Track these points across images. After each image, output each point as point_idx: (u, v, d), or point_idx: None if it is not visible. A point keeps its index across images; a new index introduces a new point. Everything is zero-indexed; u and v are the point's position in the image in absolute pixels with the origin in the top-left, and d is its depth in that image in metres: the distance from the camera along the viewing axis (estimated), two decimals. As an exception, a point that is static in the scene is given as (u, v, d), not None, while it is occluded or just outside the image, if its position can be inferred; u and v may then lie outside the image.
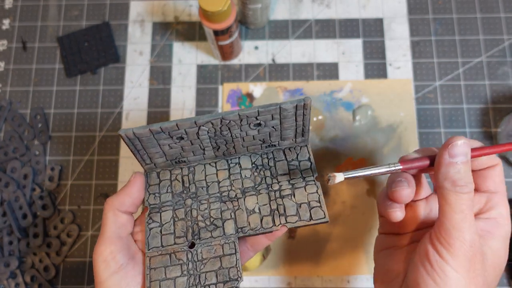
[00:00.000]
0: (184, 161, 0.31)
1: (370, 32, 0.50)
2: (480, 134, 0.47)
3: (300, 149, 0.31)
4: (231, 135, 0.29)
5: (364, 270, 0.44)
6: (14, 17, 0.52)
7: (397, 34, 0.50)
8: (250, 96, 0.48)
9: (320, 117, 0.48)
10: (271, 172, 0.30)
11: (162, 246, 0.28)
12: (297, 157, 0.31)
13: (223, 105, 0.48)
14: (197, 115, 0.48)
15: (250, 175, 0.30)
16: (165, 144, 0.29)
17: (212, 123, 0.28)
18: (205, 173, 0.31)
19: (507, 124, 0.45)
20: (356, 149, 0.47)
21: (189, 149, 0.30)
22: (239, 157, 0.31)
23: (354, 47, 0.50)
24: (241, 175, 0.30)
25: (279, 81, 0.49)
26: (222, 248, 0.27)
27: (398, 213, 0.27)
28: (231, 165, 0.31)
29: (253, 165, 0.31)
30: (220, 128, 0.28)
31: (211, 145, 0.30)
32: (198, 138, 0.29)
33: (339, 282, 0.44)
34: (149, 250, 0.28)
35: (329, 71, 0.49)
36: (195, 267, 0.27)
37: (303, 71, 0.49)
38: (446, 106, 0.48)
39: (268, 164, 0.31)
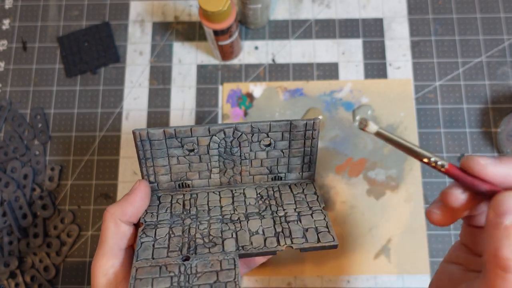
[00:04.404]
0: (188, 186, 0.30)
1: (370, 32, 0.50)
2: (480, 134, 0.47)
3: (306, 185, 0.31)
4: (240, 155, 0.29)
5: (364, 270, 0.44)
6: (14, 17, 0.52)
7: (397, 34, 0.50)
8: (250, 96, 0.48)
9: (320, 117, 0.48)
10: (276, 202, 0.29)
11: (153, 258, 0.26)
12: (303, 191, 0.30)
13: (223, 105, 0.48)
14: (197, 115, 0.48)
15: (255, 203, 0.29)
16: (174, 156, 0.28)
17: (224, 132, 0.28)
18: (208, 199, 0.30)
19: (507, 124, 0.45)
20: (356, 149, 0.47)
21: (196, 168, 0.29)
22: (244, 188, 0.31)
23: (354, 47, 0.50)
24: (245, 202, 0.29)
25: (279, 81, 0.49)
26: (220, 264, 0.25)
27: (434, 214, 0.23)
28: (235, 194, 0.30)
29: (258, 195, 0.30)
30: (231, 142, 0.28)
31: (219, 166, 0.29)
32: (208, 153, 0.29)
33: (339, 282, 0.44)
34: (137, 260, 0.25)
35: (329, 71, 0.49)
36: (187, 279, 0.24)
37: (303, 71, 0.49)
38: (446, 106, 0.48)
39: (274, 195, 0.30)
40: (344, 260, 0.44)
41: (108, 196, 0.47)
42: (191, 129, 0.27)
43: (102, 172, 0.47)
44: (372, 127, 0.23)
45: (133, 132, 0.27)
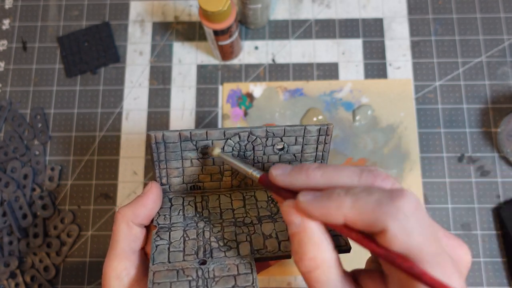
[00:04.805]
0: (200, 188, 0.30)
1: (370, 32, 0.50)
2: (480, 134, 0.47)
3: None
4: (253, 158, 0.29)
5: (364, 270, 0.44)
6: (14, 17, 0.52)
7: (397, 34, 0.50)
8: (250, 96, 0.48)
9: (320, 117, 0.48)
10: None
11: (169, 261, 0.25)
12: None
13: (223, 105, 0.48)
14: (197, 115, 0.48)
15: (266, 206, 0.30)
16: (188, 158, 0.29)
17: (239, 136, 0.28)
18: (220, 201, 0.30)
19: (507, 124, 0.45)
20: (356, 149, 0.47)
21: (209, 171, 0.29)
22: (254, 191, 0.31)
23: (354, 47, 0.50)
24: (257, 205, 0.30)
25: (279, 81, 0.49)
26: (237, 268, 0.25)
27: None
28: (246, 197, 0.30)
29: (269, 198, 0.30)
30: (245, 146, 0.28)
31: (231, 169, 0.30)
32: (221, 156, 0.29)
33: (339, 282, 0.44)
34: (153, 264, 0.25)
35: (329, 71, 0.49)
36: (205, 284, 0.24)
37: (303, 71, 0.49)
38: (446, 106, 0.48)
39: None
40: (344, 260, 0.44)
41: (108, 196, 0.47)
42: (206, 132, 0.28)
43: (102, 172, 0.47)
44: (216, 151, 0.27)
45: (148, 134, 0.27)
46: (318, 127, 0.28)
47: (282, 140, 0.29)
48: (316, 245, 0.20)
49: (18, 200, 0.46)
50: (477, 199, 0.45)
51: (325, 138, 0.29)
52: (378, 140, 0.47)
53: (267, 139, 0.29)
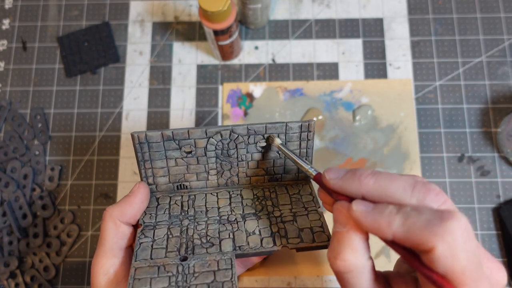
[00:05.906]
0: (186, 187, 0.31)
1: (370, 32, 0.50)
2: (480, 134, 0.47)
3: (303, 186, 0.31)
4: (237, 156, 0.29)
5: (364, 270, 0.44)
6: (14, 17, 0.52)
7: (397, 34, 0.50)
8: (250, 96, 0.48)
9: (320, 117, 0.47)
10: (272, 202, 0.30)
11: (151, 258, 0.26)
12: (299, 192, 0.31)
13: (223, 105, 0.48)
14: (197, 115, 0.48)
15: (252, 204, 0.30)
16: (172, 158, 0.29)
17: (221, 134, 0.28)
18: (206, 200, 0.30)
19: (507, 124, 0.45)
20: (356, 149, 0.47)
21: (194, 170, 0.30)
22: (241, 190, 0.31)
23: (354, 47, 0.50)
24: (242, 203, 0.30)
25: (279, 81, 0.49)
26: (217, 264, 0.25)
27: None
28: (232, 195, 0.30)
29: (255, 196, 0.30)
30: (228, 144, 0.29)
31: (216, 168, 0.30)
32: (205, 155, 0.29)
33: (339, 282, 0.43)
34: (136, 261, 0.26)
35: (329, 71, 0.49)
36: (185, 279, 0.24)
37: (303, 71, 0.49)
38: (446, 106, 0.48)
39: (270, 196, 0.30)
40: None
41: (108, 196, 0.47)
42: (188, 131, 0.28)
43: (102, 172, 0.47)
44: (276, 141, 0.29)
45: (132, 135, 0.27)
46: (300, 124, 0.29)
47: (264, 138, 0.29)
48: (353, 250, 0.21)
49: (18, 200, 0.46)
50: (477, 199, 0.45)
51: (307, 134, 0.29)
52: (378, 140, 0.47)
53: (249, 137, 0.29)
